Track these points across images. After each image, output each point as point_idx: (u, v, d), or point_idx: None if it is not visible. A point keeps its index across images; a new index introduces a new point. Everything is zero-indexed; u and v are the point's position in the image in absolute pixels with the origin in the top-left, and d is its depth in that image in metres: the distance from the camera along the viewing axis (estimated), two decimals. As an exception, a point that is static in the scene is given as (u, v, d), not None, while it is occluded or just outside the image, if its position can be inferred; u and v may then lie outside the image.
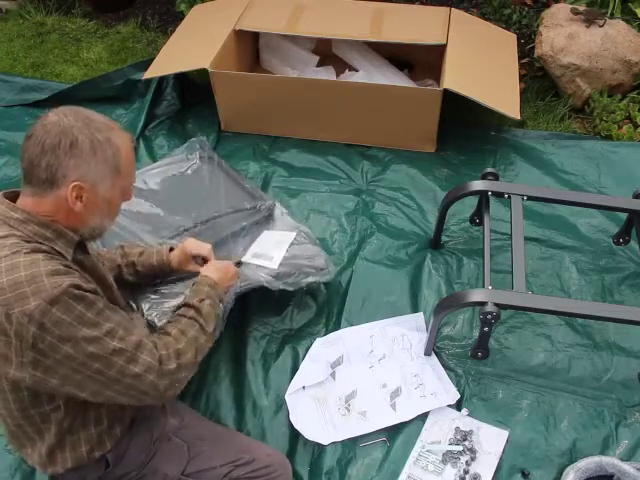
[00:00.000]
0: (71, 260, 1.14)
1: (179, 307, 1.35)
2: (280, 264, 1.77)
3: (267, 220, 1.95)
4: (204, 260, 1.60)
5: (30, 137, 1.11)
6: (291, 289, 1.74)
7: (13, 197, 1.16)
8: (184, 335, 1.24)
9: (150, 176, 2.11)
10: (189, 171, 2.14)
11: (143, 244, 1.77)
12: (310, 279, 1.76)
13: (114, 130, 1.14)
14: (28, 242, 1.09)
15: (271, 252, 1.80)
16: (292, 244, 1.83)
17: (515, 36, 2.60)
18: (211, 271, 1.48)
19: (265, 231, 1.90)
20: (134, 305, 1.66)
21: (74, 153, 1.08)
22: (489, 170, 1.87)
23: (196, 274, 1.51)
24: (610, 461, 1.49)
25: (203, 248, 1.60)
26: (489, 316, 1.50)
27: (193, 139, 2.25)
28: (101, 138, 1.10)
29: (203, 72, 2.34)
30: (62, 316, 1.03)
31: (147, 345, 1.14)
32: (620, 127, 2.47)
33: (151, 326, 1.61)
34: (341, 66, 2.64)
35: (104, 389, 1.11)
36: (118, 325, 1.11)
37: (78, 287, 1.06)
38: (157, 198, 2.02)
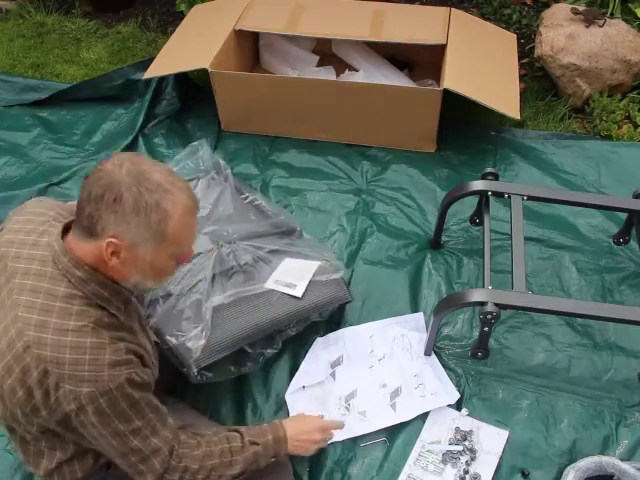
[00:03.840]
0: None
1: (236, 430, 1.30)
2: (303, 295, 1.69)
3: (290, 246, 1.85)
4: None
5: (86, 179, 1.06)
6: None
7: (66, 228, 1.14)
8: (208, 458, 1.21)
9: None
10: (200, 194, 2.01)
11: None
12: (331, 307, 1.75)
13: (169, 193, 1.04)
14: (90, 305, 1.09)
15: (294, 280, 1.72)
16: (315, 273, 1.74)
17: (515, 36, 2.60)
18: (292, 424, 1.38)
19: (287, 258, 1.80)
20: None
21: (115, 209, 1.02)
22: (489, 170, 1.86)
23: None
24: (610, 461, 1.49)
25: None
26: (489, 316, 1.50)
27: (194, 143, 2.22)
28: (149, 200, 1.02)
29: (203, 72, 2.34)
30: (106, 408, 1.06)
31: (163, 453, 1.15)
32: (620, 127, 2.47)
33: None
34: (341, 66, 2.64)
35: (112, 457, 1.17)
36: (147, 425, 1.13)
37: (131, 382, 1.08)
38: None
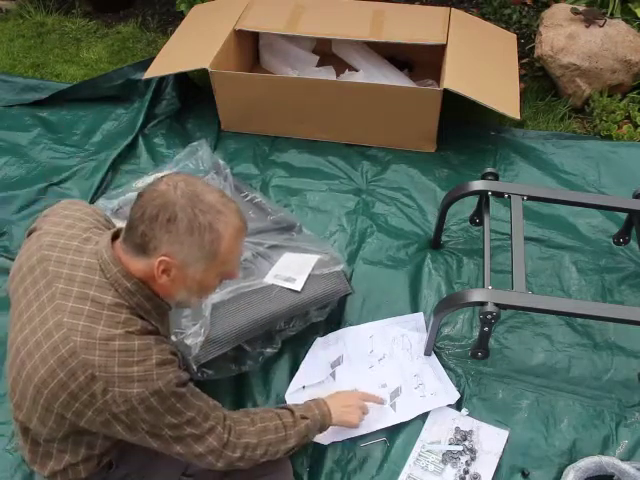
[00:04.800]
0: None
1: (286, 407, 1.36)
2: (303, 289, 1.69)
3: (289, 241, 1.86)
4: None
5: (139, 198, 1.08)
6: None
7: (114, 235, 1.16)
8: (264, 433, 1.25)
9: None
10: None
11: None
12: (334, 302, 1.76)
13: (221, 214, 1.07)
14: (134, 315, 1.11)
15: (294, 274, 1.73)
16: (314, 267, 1.74)
17: (515, 36, 2.60)
18: (334, 402, 1.46)
19: (286, 253, 1.81)
20: None
21: (169, 229, 1.04)
22: (489, 170, 1.86)
23: None
24: (610, 461, 1.49)
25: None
26: (489, 316, 1.50)
27: (194, 143, 2.23)
28: (203, 221, 1.05)
29: (203, 72, 2.34)
30: (157, 406, 1.08)
31: (218, 430, 1.18)
32: (620, 127, 2.47)
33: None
34: (341, 66, 2.64)
35: (165, 450, 1.17)
36: (198, 412, 1.15)
37: (178, 379, 1.11)
38: None
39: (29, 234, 1.25)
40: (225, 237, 1.08)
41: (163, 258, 1.06)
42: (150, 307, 1.14)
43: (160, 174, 2.11)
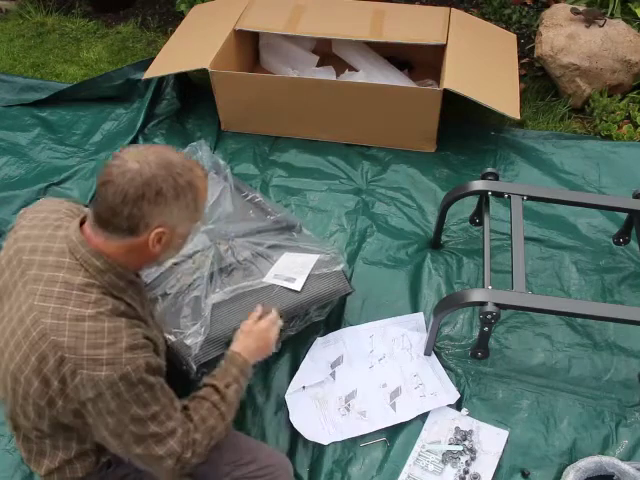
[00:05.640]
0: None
1: (205, 385, 1.30)
2: (303, 289, 1.69)
3: (289, 241, 1.84)
4: None
5: (108, 184, 1.05)
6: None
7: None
8: (203, 423, 1.21)
9: None
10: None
11: None
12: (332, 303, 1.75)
13: (192, 171, 1.11)
14: (106, 294, 1.10)
15: (294, 274, 1.72)
16: (314, 267, 1.74)
17: (515, 36, 2.60)
18: (243, 345, 1.40)
19: (286, 252, 1.80)
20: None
21: (158, 202, 1.06)
22: (489, 170, 1.86)
23: None
24: (610, 461, 1.49)
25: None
26: (489, 316, 1.50)
27: (193, 143, 2.22)
28: (182, 183, 1.08)
29: (203, 72, 2.34)
30: (124, 392, 1.06)
31: (179, 433, 1.15)
32: (620, 127, 2.47)
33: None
34: (341, 66, 2.64)
35: (124, 451, 1.15)
36: (163, 409, 1.13)
37: (148, 366, 1.09)
38: None
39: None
40: (201, 190, 1.13)
41: (159, 230, 1.08)
42: (124, 285, 1.13)
43: None
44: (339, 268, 1.74)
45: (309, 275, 1.71)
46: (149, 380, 1.09)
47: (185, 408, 1.22)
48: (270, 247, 1.80)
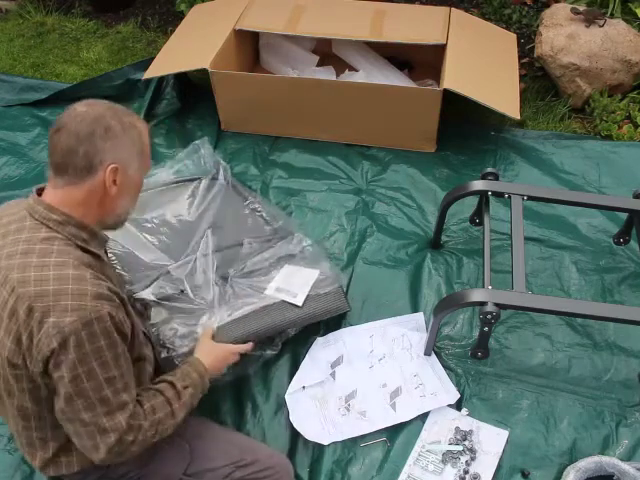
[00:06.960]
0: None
1: (163, 380, 1.30)
2: (304, 304, 1.70)
3: (289, 257, 1.85)
4: None
5: (60, 130, 1.13)
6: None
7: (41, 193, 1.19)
8: (153, 414, 1.20)
9: (157, 194, 2.04)
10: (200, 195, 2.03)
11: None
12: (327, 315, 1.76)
13: (132, 115, 1.21)
14: (69, 246, 1.13)
15: (295, 289, 1.73)
16: (314, 286, 1.74)
17: (515, 36, 2.60)
18: (205, 354, 1.43)
19: (286, 265, 1.80)
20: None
21: (109, 136, 1.13)
22: (489, 170, 1.86)
23: None
24: (610, 461, 1.49)
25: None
26: (489, 316, 1.50)
27: (196, 142, 2.23)
28: (127, 121, 1.17)
29: (203, 72, 2.34)
30: (86, 342, 1.07)
31: (128, 412, 1.14)
32: (620, 127, 2.47)
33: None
34: (341, 66, 2.64)
35: (66, 421, 1.13)
36: (121, 377, 1.13)
37: (112, 318, 1.10)
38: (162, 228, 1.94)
39: None
40: (143, 131, 1.21)
41: (113, 165, 1.13)
42: (86, 236, 1.17)
43: (157, 171, 2.13)
44: (336, 286, 1.76)
45: (309, 292, 1.72)
46: (113, 336, 1.10)
47: (138, 395, 1.22)
48: (270, 259, 1.82)
